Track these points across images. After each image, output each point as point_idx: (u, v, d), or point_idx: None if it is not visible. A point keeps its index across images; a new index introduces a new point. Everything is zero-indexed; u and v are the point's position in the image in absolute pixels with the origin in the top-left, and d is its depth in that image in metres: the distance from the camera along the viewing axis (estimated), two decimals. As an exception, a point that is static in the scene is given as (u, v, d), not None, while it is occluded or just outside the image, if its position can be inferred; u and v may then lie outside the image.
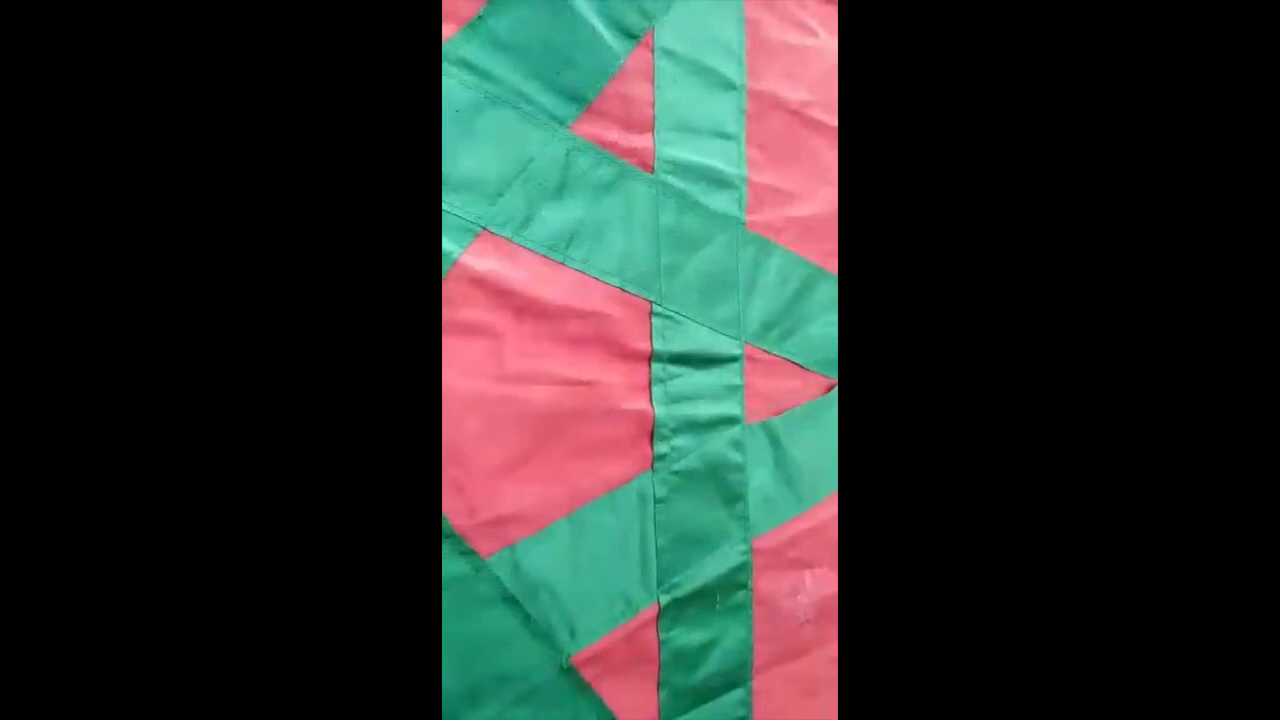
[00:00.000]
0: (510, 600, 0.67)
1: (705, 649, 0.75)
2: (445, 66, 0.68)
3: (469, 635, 0.65)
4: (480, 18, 0.69)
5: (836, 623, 0.82)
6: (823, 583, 0.82)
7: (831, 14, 0.91)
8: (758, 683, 0.78)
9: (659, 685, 0.72)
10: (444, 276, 0.66)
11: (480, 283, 0.68)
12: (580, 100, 0.74)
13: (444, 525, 0.64)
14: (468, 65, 0.69)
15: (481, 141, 0.69)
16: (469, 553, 0.65)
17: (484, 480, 0.67)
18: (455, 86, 0.68)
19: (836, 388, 0.86)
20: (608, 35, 0.75)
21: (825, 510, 0.82)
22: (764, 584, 0.78)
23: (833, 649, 0.80)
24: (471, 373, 0.67)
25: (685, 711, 0.74)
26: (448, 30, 0.68)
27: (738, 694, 0.76)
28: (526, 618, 0.67)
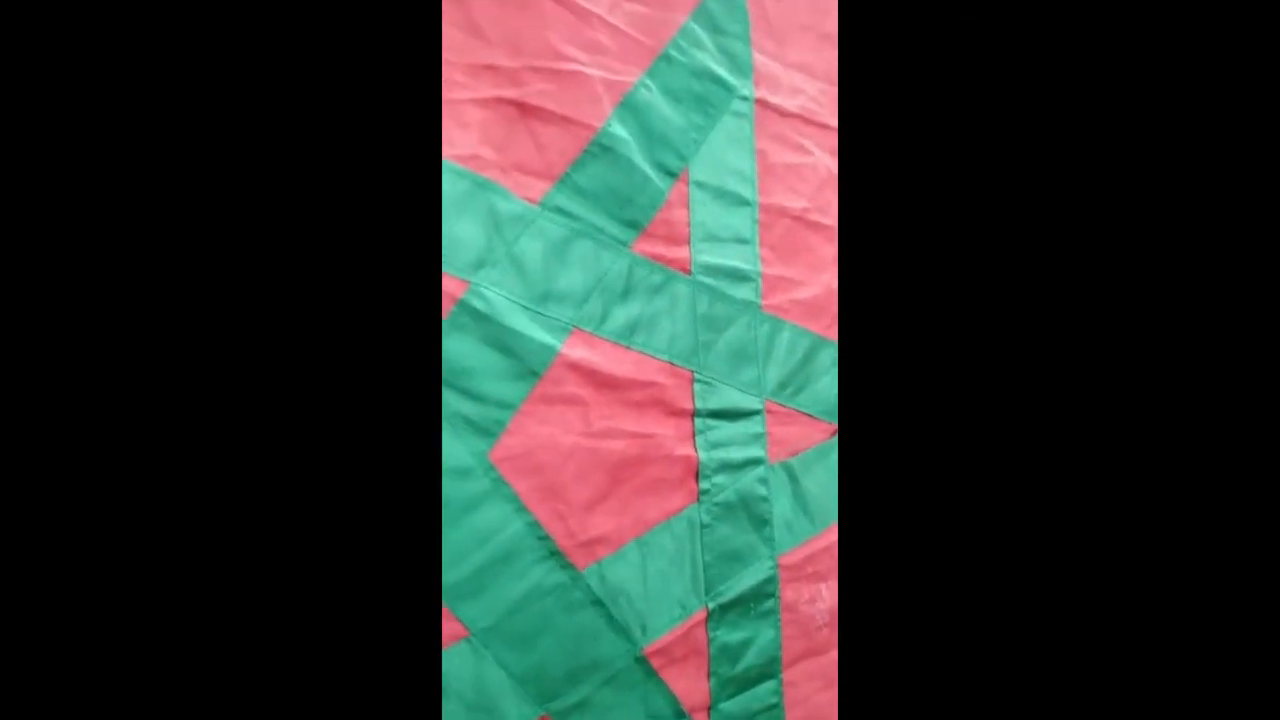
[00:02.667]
0: (598, 603, 0.78)
1: (744, 646, 0.84)
2: (544, 212, 0.81)
3: (570, 631, 0.77)
4: (567, 174, 0.83)
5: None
6: (836, 593, 0.91)
7: (822, 135, 1.04)
8: (787, 675, 0.87)
9: (709, 674, 0.82)
10: (551, 364, 0.80)
11: (574, 366, 0.81)
12: (637, 227, 0.87)
13: (552, 544, 0.78)
14: (560, 210, 0.83)
15: (570, 265, 0.82)
16: (569, 566, 0.78)
17: (578, 512, 0.79)
18: (551, 226, 0.82)
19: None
20: (655, 177, 0.89)
21: (835, 533, 0.92)
22: (789, 593, 0.88)
23: (847, 649, 0.92)
24: (568, 431, 0.80)
25: (731, 697, 0.83)
26: (544, 186, 0.82)
27: (771, 684, 0.86)
28: (610, 618, 0.78)
